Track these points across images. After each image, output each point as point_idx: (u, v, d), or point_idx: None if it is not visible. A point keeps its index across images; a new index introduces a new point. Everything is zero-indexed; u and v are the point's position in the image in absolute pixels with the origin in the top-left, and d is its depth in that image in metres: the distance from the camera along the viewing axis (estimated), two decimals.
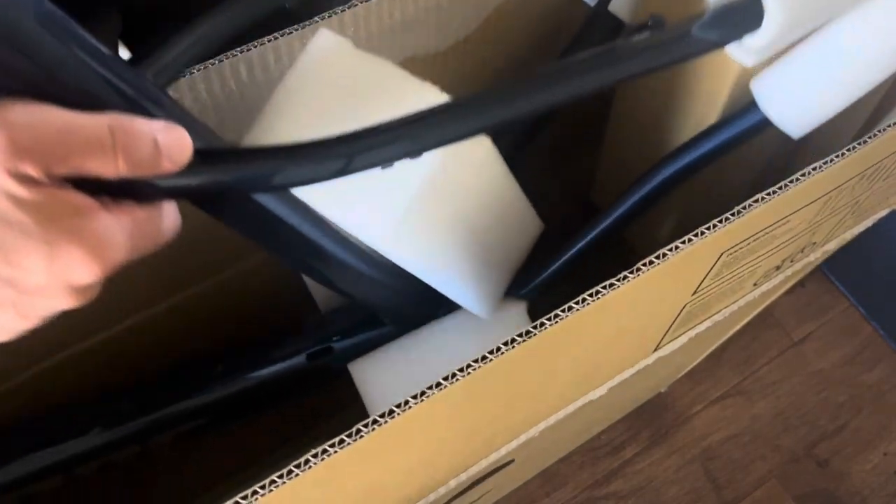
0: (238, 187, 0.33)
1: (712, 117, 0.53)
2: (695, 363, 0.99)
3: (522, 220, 0.54)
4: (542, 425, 0.47)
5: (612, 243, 0.53)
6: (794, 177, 0.37)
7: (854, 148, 0.38)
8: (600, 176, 0.77)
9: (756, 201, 0.36)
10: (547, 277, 0.54)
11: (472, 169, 0.45)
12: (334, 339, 0.58)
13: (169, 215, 0.30)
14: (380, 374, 0.54)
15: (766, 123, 0.43)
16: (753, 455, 0.99)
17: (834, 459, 0.99)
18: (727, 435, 1.00)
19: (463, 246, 0.47)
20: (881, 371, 1.04)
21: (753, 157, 0.59)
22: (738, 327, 0.92)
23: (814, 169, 0.37)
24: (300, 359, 0.58)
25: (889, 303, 1.05)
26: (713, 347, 0.96)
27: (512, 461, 0.59)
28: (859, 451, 0.99)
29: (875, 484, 0.97)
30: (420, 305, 0.55)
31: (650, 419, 1.01)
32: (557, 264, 0.54)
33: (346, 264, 0.46)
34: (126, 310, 0.61)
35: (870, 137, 0.38)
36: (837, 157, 0.38)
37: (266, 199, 0.39)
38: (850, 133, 0.61)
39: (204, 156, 0.29)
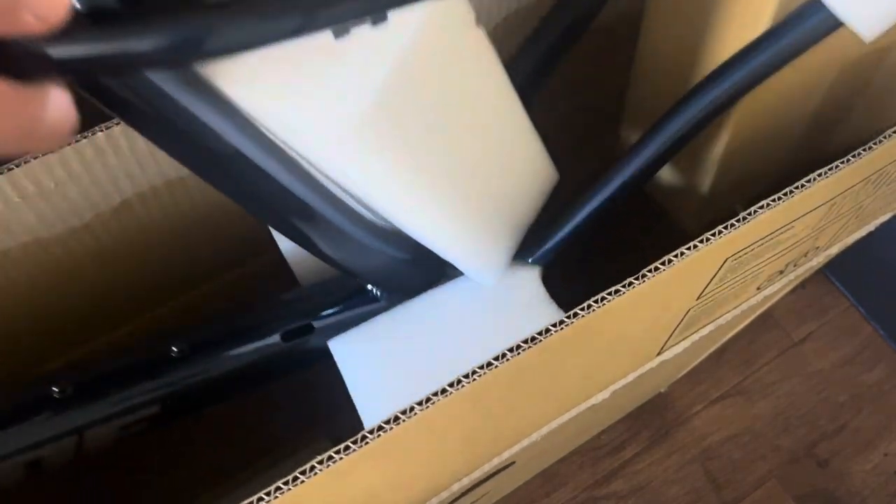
0: (142, 62, 0.25)
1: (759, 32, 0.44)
2: (695, 363, 0.99)
3: (532, 163, 0.44)
4: (544, 429, 0.47)
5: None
6: (799, 182, 0.37)
7: (860, 154, 0.38)
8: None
9: (762, 207, 0.36)
10: (564, 238, 0.46)
11: (458, 63, 0.35)
12: (315, 315, 0.49)
13: (56, 101, 0.23)
14: (365, 353, 0.46)
15: (830, 23, 0.36)
16: (753, 455, 0.99)
17: (834, 459, 0.99)
18: (727, 435, 1.00)
19: (451, 177, 0.38)
20: (881, 371, 1.05)
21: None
22: (738, 328, 0.92)
23: (819, 175, 0.37)
24: (274, 338, 0.49)
25: (889, 303, 1.06)
26: (714, 348, 0.96)
27: (513, 463, 0.59)
28: (859, 451, 1.00)
29: (875, 484, 0.98)
30: (415, 271, 0.47)
31: (650, 419, 1.01)
32: (577, 220, 0.46)
33: (313, 208, 0.38)
34: (112, 319, 0.60)
35: (875, 143, 0.38)
36: (843, 163, 0.38)
37: (188, 99, 0.30)
38: None
39: (94, 17, 0.22)
